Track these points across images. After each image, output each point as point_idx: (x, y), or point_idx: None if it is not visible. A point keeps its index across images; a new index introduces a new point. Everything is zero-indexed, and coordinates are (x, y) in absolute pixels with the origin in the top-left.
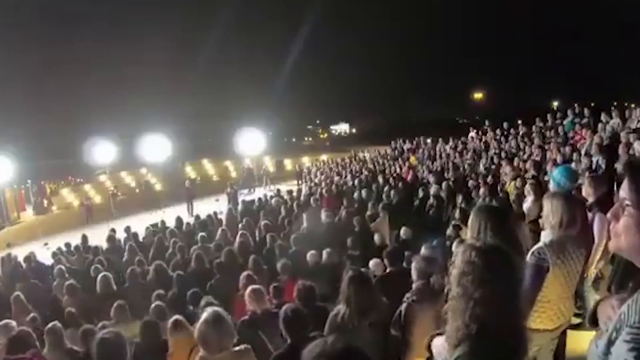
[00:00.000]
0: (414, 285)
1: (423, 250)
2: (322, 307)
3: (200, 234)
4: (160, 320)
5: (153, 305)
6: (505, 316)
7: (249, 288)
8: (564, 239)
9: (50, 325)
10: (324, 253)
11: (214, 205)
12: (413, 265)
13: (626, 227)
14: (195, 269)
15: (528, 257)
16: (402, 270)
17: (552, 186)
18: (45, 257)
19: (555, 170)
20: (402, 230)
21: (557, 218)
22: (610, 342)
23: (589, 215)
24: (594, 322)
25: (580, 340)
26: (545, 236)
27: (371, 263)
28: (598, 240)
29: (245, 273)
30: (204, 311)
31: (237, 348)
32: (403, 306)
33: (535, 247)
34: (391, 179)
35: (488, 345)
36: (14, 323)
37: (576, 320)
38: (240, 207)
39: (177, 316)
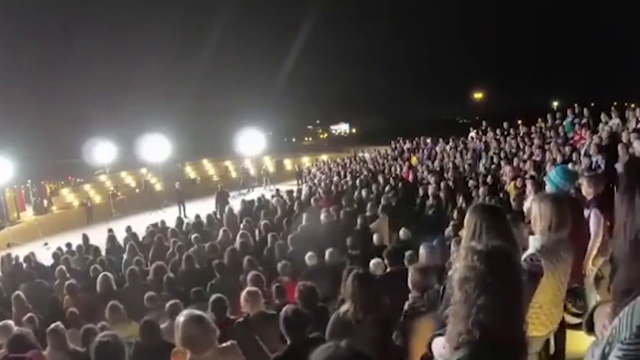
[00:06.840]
0: (409, 296)
1: (421, 250)
2: (323, 307)
3: (193, 235)
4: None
5: (169, 303)
6: (508, 320)
7: (245, 290)
8: (556, 242)
9: (52, 326)
10: (326, 253)
11: (209, 207)
12: (409, 275)
13: (616, 229)
14: (185, 271)
15: (522, 263)
16: (402, 270)
17: (549, 188)
18: (45, 257)
19: (552, 172)
20: (402, 232)
21: (546, 222)
22: (604, 356)
23: (586, 212)
24: (590, 328)
25: (580, 341)
26: (535, 241)
27: (371, 263)
28: (594, 237)
29: (252, 273)
30: (181, 315)
31: (223, 345)
32: (401, 318)
33: (528, 252)
34: (391, 179)
35: (489, 349)
36: (13, 324)
37: (576, 320)
38: (240, 207)
39: None
